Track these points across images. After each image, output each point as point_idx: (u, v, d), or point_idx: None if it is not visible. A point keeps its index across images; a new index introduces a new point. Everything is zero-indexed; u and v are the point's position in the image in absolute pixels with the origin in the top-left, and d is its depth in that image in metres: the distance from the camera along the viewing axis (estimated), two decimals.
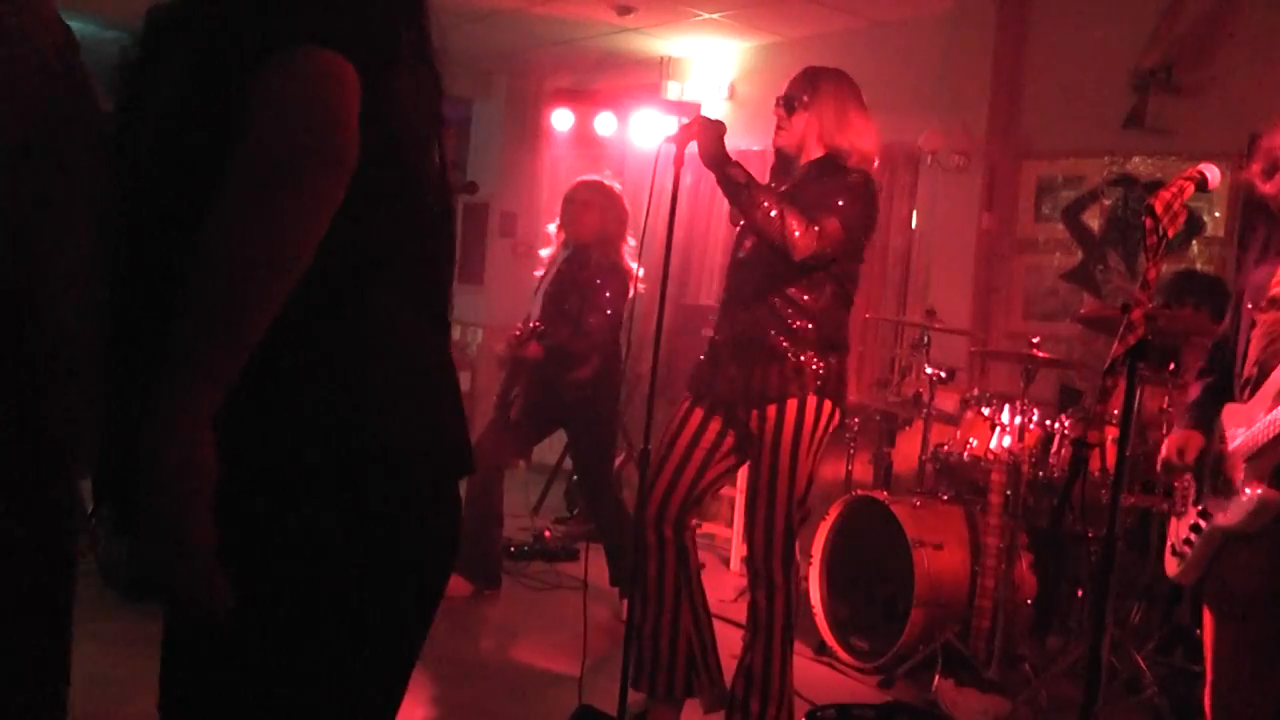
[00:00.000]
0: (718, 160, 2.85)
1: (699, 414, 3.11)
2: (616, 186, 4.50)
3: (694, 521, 3.20)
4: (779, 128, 3.03)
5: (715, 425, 3.08)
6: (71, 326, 1.42)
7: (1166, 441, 3.06)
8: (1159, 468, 3.08)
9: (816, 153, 3.01)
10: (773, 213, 2.80)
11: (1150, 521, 3.80)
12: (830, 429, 3.04)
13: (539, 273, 4.59)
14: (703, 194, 6.45)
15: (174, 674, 1.28)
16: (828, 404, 2.99)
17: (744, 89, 6.67)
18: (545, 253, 4.58)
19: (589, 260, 4.35)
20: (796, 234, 2.80)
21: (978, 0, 5.37)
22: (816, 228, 2.81)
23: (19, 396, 1.40)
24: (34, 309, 1.40)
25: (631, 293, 4.38)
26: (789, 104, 3.01)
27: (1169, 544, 3.07)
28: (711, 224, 6.53)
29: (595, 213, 4.38)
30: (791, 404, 2.95)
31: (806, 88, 3.01)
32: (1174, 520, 3.10)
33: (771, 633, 3.02)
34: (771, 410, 2.96)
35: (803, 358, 2.96)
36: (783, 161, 3.11)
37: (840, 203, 2.88)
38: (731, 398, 3.03)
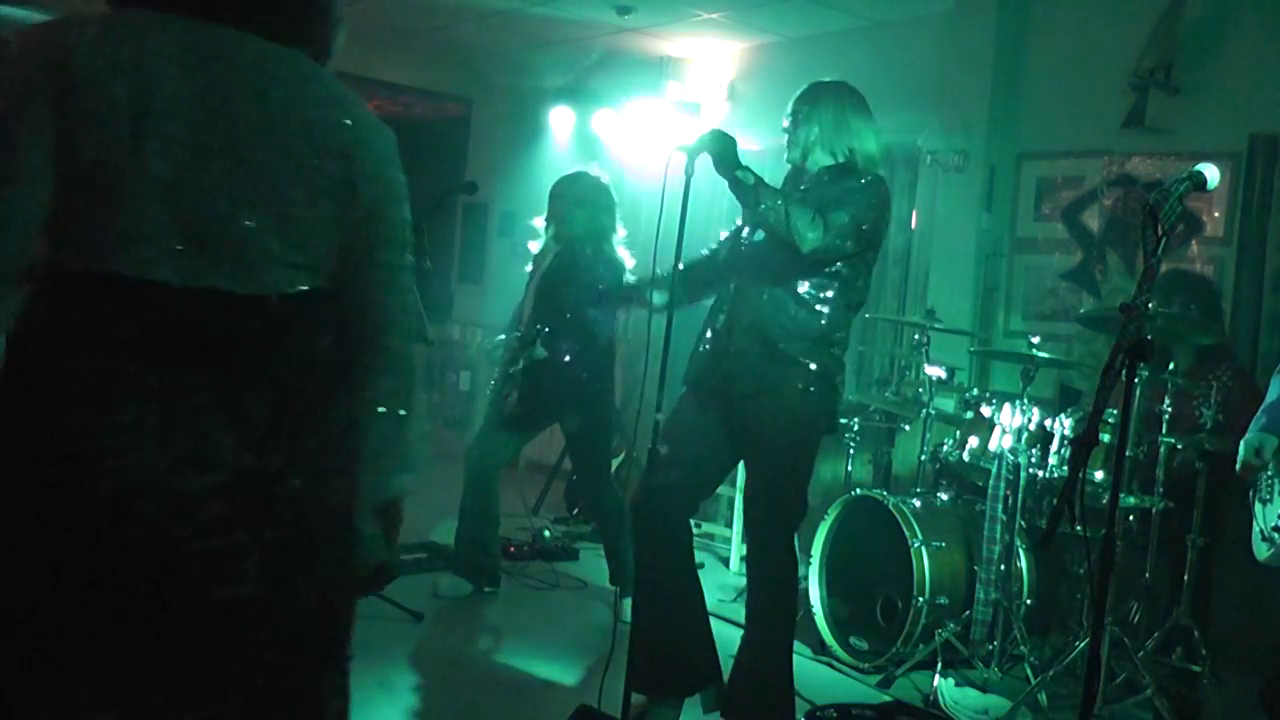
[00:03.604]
0: (729, 166, 2.90)
1: (699, 407, 3.12)
2: (604, 178, 4.48)
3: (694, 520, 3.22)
4: (789, 143, 3.13)
5: (714, 419, 3.09)
6: None
7: (1243, 443, 3.13)
8: (1238, 470, 3.14)
9: (824, 160, 3.08)
10: (781, 208, 2.84)
11: (1150, 521, 3.80)
12: (824, 424, 3.06)
13: (528, 268, 4.56)
14: (702, 195, 6.44)
15: None
16: (821, 398, 3.00)
17: (744, 89, 6.67)
18: (533, 248, 4.54)
19: (582, 254, 4.34)
20: (804, 227, 2.84)
21: (978, 0, 5.37)
22: (824, 221, 2.85)
23: None
24: None
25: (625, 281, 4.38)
26: (792, 118, 3.12)
27: (1256, 529, 3.13)
28: (710, 225, 6.53)
29: (584, 207, 4.37)
30: (785, 398, 2.96)
31: (806, 100, 3.12)
32: (1259, 505, 3.16)
33: (768, 631, 3.03)
34: (766, 404, 2.97)
35: (798, 352, 2.97)
36: (794, 174, 3.17)
37: (851, 200, 2.94)
38: (729, 389, 3.04)
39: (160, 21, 1.47)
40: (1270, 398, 3.21)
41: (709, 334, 3.14)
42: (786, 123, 3.14)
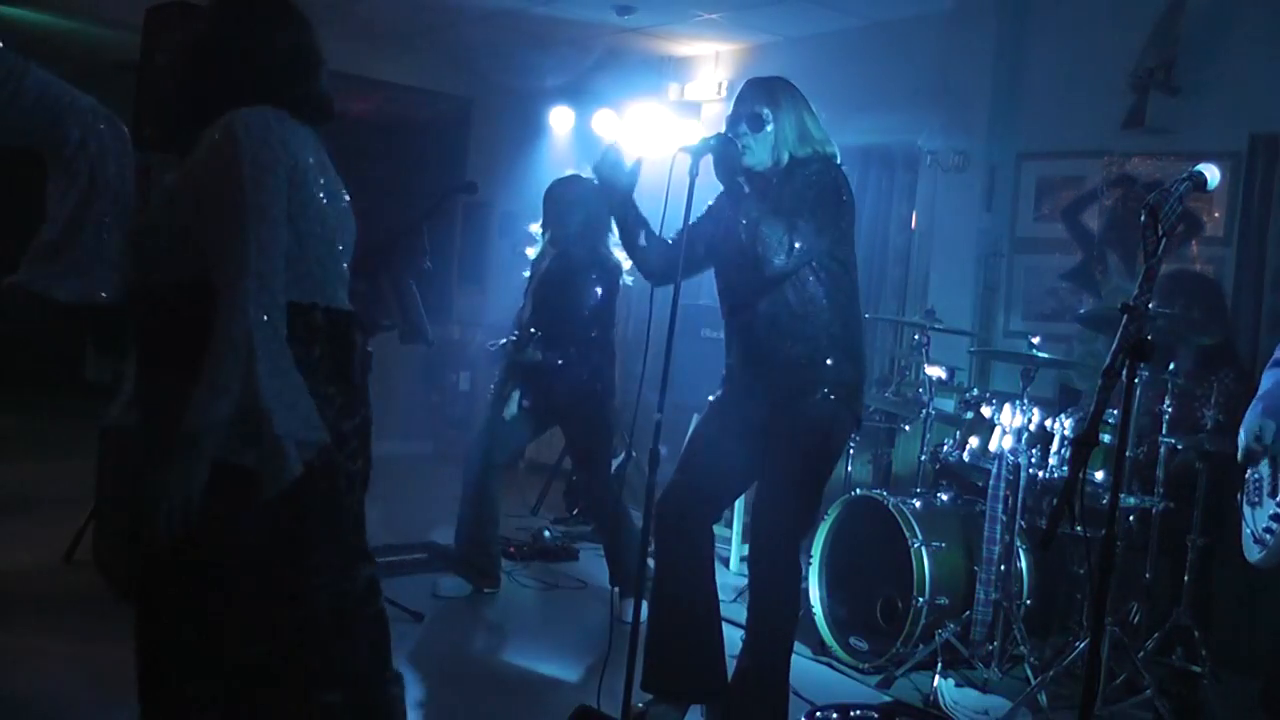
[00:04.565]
0: (731, 173, 2.90)
1: (725, 415, 3.13)
2: (595, 179, 4.48)
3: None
4: (745, 148, 3.00)
5: (738, 428, 3.10)
6: None
7: (1243, 428, 3.09)
8: (1239, 456, 3.10)
9: (783, 161, 3.04)
10: (754, 227, 2.84)
11: (1150, 521, 3.80)
12: (849, 425, 3.07)
13: (526, 273, 4.57)
14: (704, 195, 6.44)
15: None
16: (839, 400, 3.00)
17: None
18: (531, 252, 4.56)
19: (578, 256, 4.35)
20: (772, 249, 2.84)
21: (978, 0, 5.37)
22: (789, 245, 2.84)
23: None
24: None
25: (622, 282, 4.39)
26: (755, 122, 3.00)
27: (1247, 532, 3.11)
28: None
29: (578, 208, 4.38)
30: (810, 406, 2.96)
31: (765, 100, 3.02)
32: (1248, 509, 3.14)
33: (768, 633, 3.03)
34: (791, 412, 2.97)
35: (816, 361, 2.97)
36: (757, 176, 3.10)
37: (813, 206, 2.91)
38: (753, 408, 3.04)
39: (296, 122, 2.05)
40: (1264, 388, 3.20)
41: (726, 368, 3.16)
42: (744, 126, 3.01)
